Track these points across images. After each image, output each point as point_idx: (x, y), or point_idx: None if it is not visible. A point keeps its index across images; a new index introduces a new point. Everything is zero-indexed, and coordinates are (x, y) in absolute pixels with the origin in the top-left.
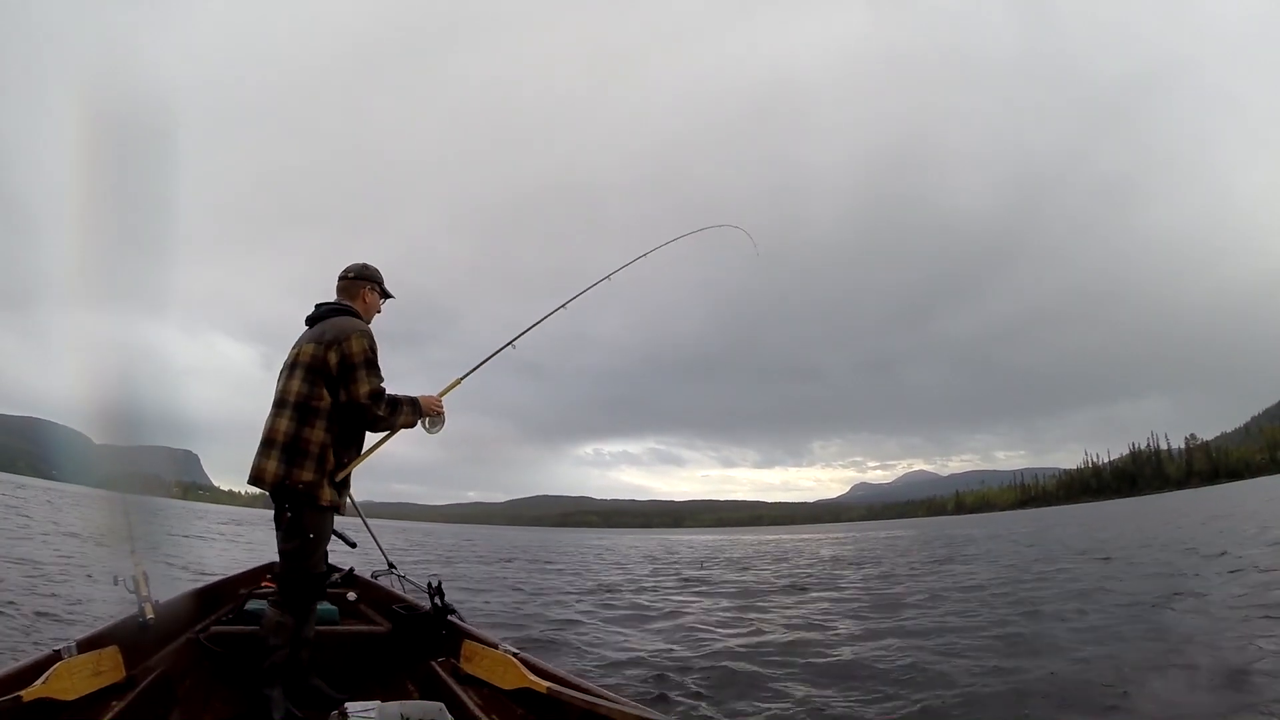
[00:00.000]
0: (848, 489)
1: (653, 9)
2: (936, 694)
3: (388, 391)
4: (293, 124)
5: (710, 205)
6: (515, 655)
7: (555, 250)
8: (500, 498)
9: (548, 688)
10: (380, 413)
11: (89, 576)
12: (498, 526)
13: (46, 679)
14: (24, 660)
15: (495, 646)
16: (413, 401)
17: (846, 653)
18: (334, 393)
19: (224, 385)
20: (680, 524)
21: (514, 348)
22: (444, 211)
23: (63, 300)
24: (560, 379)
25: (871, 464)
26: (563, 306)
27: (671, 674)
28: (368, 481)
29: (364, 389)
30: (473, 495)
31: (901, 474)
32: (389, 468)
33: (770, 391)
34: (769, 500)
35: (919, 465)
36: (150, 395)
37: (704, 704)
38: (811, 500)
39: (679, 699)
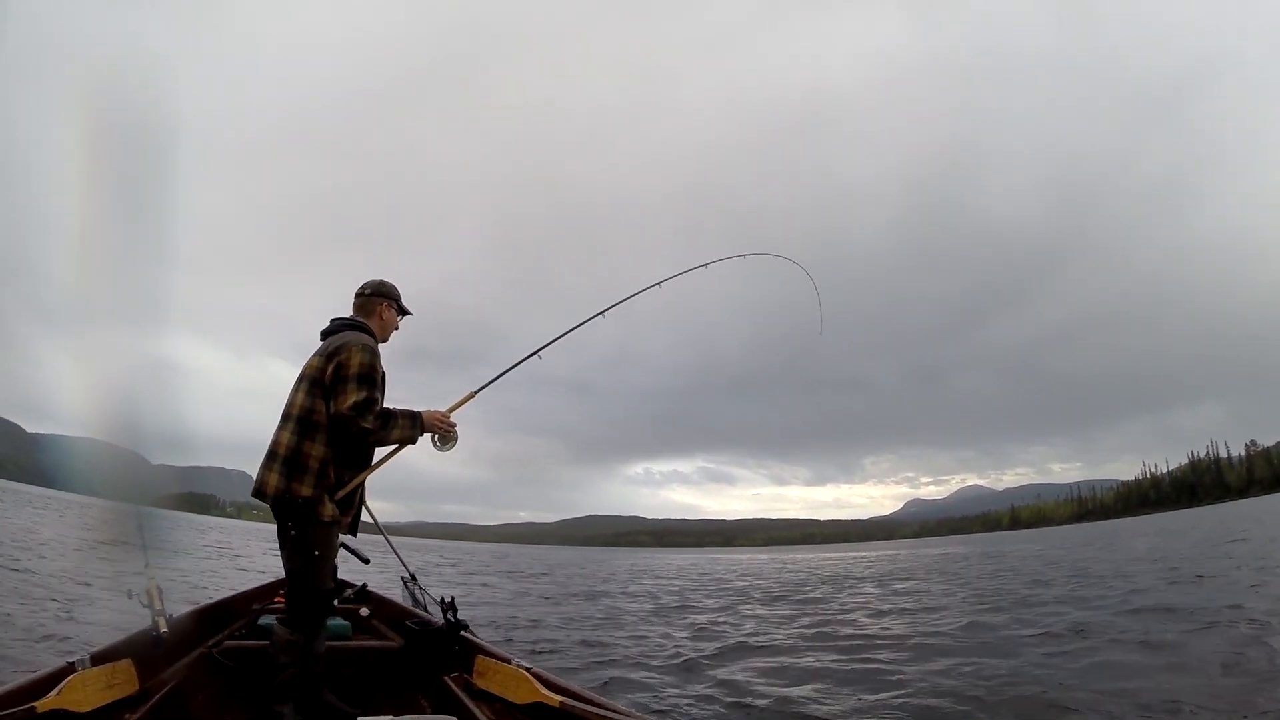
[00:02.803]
0: (901, 505)
1: (689, 22)
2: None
3: (382, 405)
4: (339, 146)
5: (753, 217)
6: (528, 670)
7: (598, 264)
8: (551, 518)
9: (560, 702)
10: (367, 425)
11: (102, 589)
12: (548, 546)
13: (60, 691)
14: (38, 672)
15: (508, 662)
16: (411, 415)
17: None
18: (327, 405)
19: (276, 407)
20: (732, 543)
21: (540, 358)
22: (488, 229)
23: (113, 319)
24: (609, 399)
25: (925, 479)
26: (600, 314)
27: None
28: (420, 502)
29: (349, 400)
30: (524, 515)
31: (955, 489)
32: (441, 489)
33: (820, 406)
34: (821, 518)
35: (973, 480)
36: (203, 416)
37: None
38: (864, 517)
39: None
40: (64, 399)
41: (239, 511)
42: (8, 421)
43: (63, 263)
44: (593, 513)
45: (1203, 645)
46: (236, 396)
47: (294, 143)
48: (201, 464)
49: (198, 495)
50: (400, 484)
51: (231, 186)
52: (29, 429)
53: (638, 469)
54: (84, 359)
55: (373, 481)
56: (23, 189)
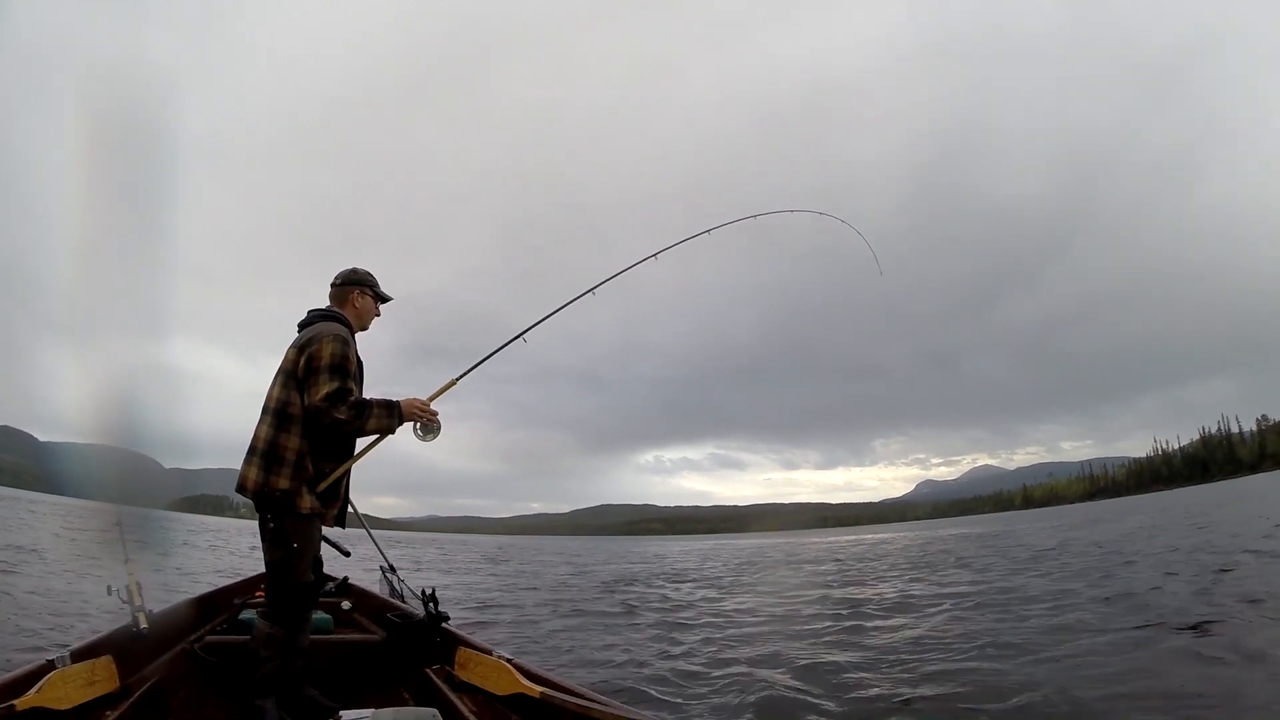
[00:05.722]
0: (913, 487)
1: (688, 13)
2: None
3: (356, 396)
4: (346, 150)
5: (760, 205)
6: (509, 661)
7: (607, 258)
8: (564, 508)
9: (541, 693)
10: (340, 415)
11: (82, 586)
12: (560, 537)
13: (40, 688)
14: (17, 670)
15: (489, 653)
16: (388, 405)
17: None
18: (301, 397)
19: None
20: (745, 529)
21: (524, 341)
22: (495, 227)
23: (120, 326)
24: (619, 389)
25: (935, 460)
26: (590, 291)
27: None
28: (433, 496)
29: (321, 391)
30: (537, 507)
31: (967, 469)
32: (454, 483)
33: (829, 390)
34: (833, 501)
35: (984, 460)
36: (216, 420)
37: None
38: (876, 500)
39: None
40: (74, 407)
41: (251, 512)
42: (21, 432)
43: (67, 272)
44: (605, 502)
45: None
46: (248, 400)
47: (302, 148)
48: (214, 466)
49: (211, 497)
50: (413, 479)
51: (241, 194)
52: (42, 438)
53: (648, 457)
54: (92, 366)
55: (382, 476)
56: (28, 201)
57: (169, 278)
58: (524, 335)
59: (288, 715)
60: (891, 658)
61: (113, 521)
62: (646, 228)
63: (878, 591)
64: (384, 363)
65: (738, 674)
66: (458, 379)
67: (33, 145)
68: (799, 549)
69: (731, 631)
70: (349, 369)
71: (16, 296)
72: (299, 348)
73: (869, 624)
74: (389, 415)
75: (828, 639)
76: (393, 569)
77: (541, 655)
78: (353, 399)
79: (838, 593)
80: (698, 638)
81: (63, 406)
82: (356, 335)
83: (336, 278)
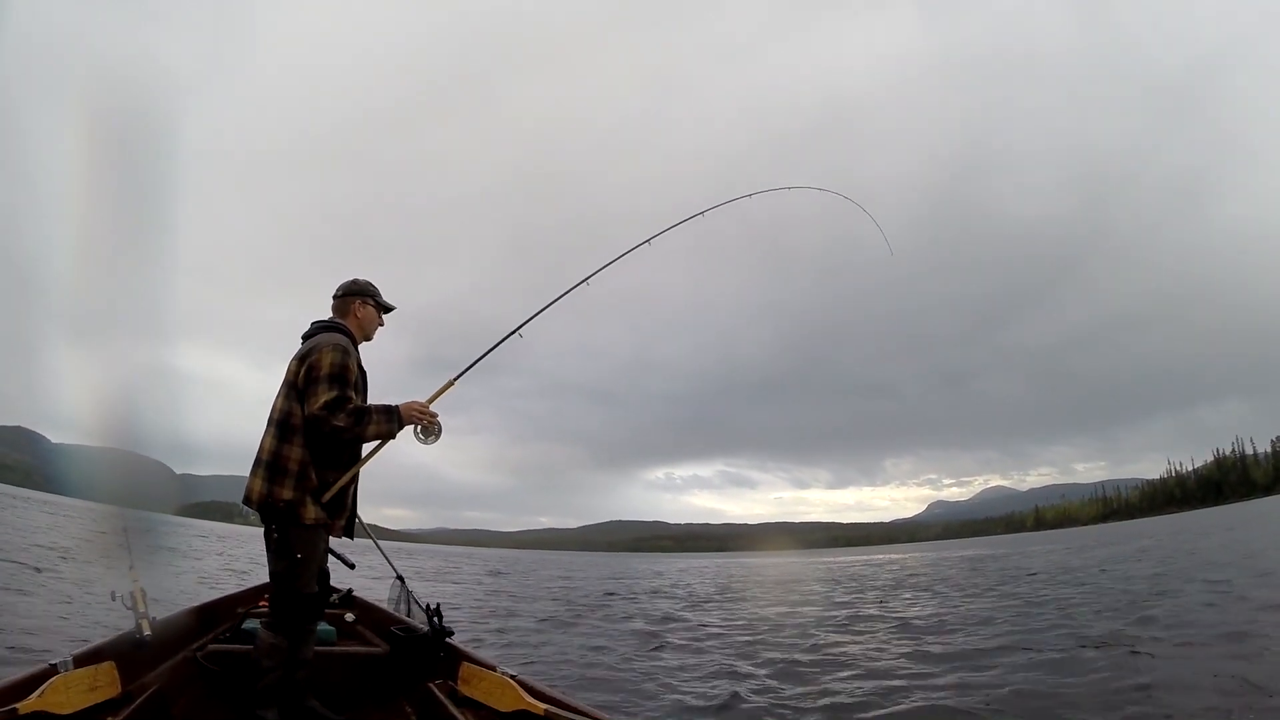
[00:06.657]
0: (924, 507)
1: (703, 28)
2: None
3: (355, 403)
4: (358, 158)
5: (772, 222)
6: (513, 678)
7: (621, 271)
8: (573, 524)
9: (545, 710)
10: (339, 423)
11: (86, 591)
12: (568, 552)
13: (42, 692)
14: (20, 673)
15: (493, 669)
16: (387, 410)
17: None
18: (302, 408)
19: None
20: (755, 547)
21: (520, 336)
22: (508, 238)
23: (135, 334)
24: (630, 404)
25: (947, 481)
26: (584, 282)
27: None
28: (443, 509)
29: (319, 400)
30: (546, 521)
31: (979, 490)
32: (464, 496)
33: (840, 409)
34: (844, 521)
35: (996, 481)
36: (228, 426)
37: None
38: (888, 520)
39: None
40: (86, 411)
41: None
42: (33, 433)
43: (82, 277)
44: (615, 518)
45: None
46: (260, 407)
47: (316, 155)
48: (224, 473)
49: (221, 504)
50: (423, 491)
51: (255, 199)
52: (54, 439)
53: (659, 474)
54: (105, 371)
55: (392, 488)
56: (47, 205)
57: (182, 284)
58: (519, 330)
59: None
60: (872, 675)
61: (119, 526)
62: (661, 240)
63: (872, 609)
64: (395, 375)
65: (735, 690)
66: (455, 379)
67: (52, 151)
68: (805, 568)
69: (729, 649)
70: (348, 378)
71: (32, 300)
72: (300, 359)
73: (860, 641)
74: (388, 420)
75: (821, 654)
76: (401, 582)
77: (533, 665)
78: (351, 406)
79: (836, 611)
80: (698, 654)
81: (75, 410)
82: (361, 345)
83: (338, 289)
